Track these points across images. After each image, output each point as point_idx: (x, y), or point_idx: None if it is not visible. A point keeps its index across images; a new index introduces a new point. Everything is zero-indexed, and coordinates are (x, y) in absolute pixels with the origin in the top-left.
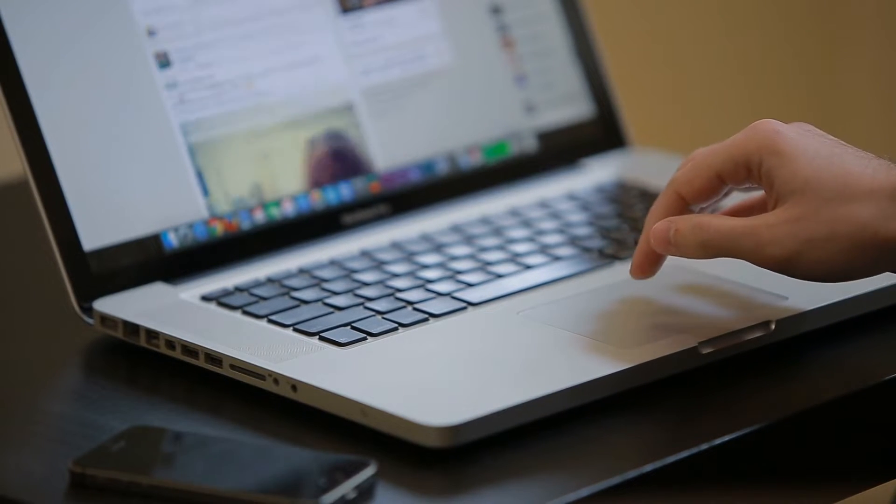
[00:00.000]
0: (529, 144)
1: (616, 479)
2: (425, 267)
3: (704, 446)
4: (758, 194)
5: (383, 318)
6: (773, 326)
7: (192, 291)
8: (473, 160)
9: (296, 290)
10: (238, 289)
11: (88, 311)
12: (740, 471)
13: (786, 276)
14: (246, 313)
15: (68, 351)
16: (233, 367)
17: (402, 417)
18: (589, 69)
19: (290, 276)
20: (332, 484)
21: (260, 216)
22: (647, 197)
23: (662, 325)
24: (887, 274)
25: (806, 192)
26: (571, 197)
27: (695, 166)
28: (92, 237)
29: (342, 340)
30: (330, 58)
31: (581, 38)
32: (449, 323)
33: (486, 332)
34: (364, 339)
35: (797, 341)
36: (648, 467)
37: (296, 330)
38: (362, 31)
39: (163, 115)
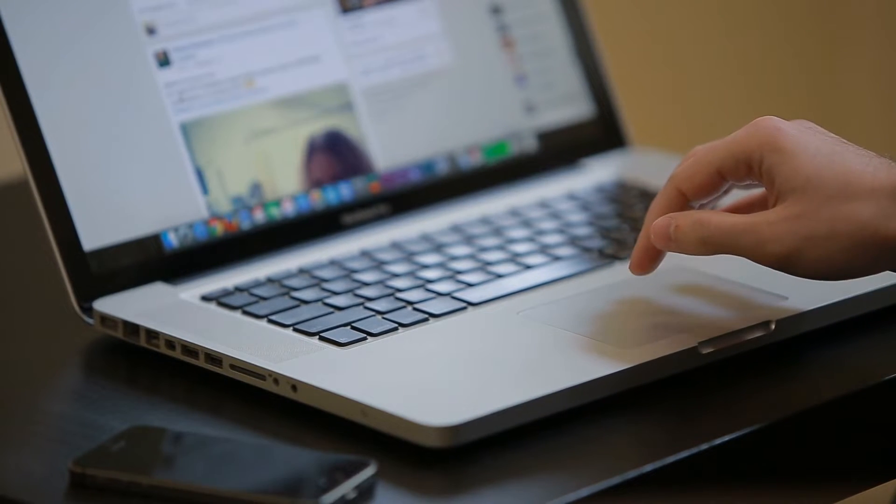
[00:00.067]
0: (529, 144)
1: (616, 479)
2: (425, 267)
3: (704, 446)
4: (758, 191)
5: (383, 318)
6: (773, 326)
7: (192, 291)
8: (473, 160)
9: (296, 290)
10: (238, 289)
11: (88, 311)
12: (740, 471)
13: (786, 276)
14: (246, 313)
15: (68, 351)
16: (233, 367)
17: (402, 417)
18: (589, 69)
19: (290, 276)
20: (332, 484)
21: (260, 216)
22: (647, 197)
23: (662, 325)
24: (887, 273)
25: (807, 189)
26: (571, 197)
27: (696, 162)
28: (92, 237)
29: (342, 340)
30: (330, 57)
31: (581, 38)
32: (449, 323)
33: (486, 332)
34: (364, 339)
35: (797, 341)
36: (648, 467)
37: (296, 330)
38: (362, 31)
39: (163, 114)
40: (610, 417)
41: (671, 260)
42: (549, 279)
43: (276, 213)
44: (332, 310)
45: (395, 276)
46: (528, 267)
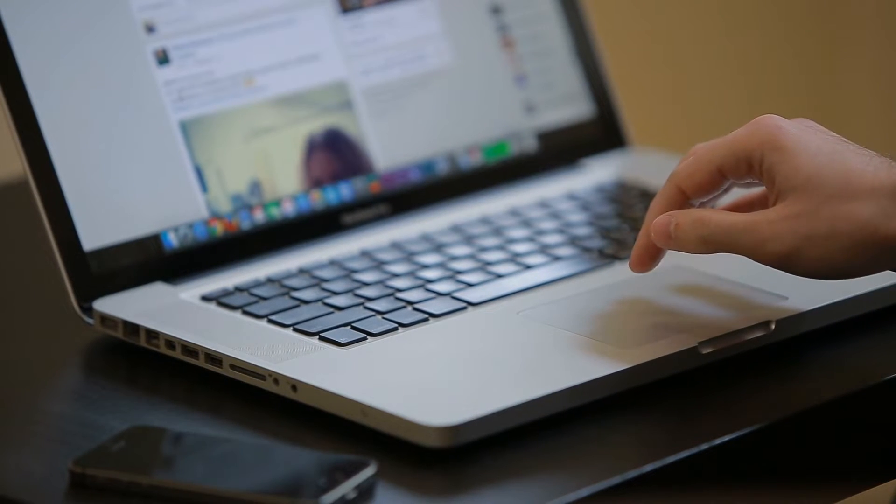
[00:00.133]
0: (529, 144)
1: (616, 479)
2: (425, 267)
3: (704, 446)
4: (758, 190)
5: (383, 318)
6: (773, 326)
7: (192, 291)
8: (473, 160)
9: (296, 290)
10: (238, 289)
11: (88, 311)
12: (740, 471)
13: (786, 276)
14: (246, 313)
15: (68, 351)
16: (233, 367)
17: (402, 417)
18: (589, 69)
19: (290, 276)
20: (332, 484)
21: (260, 216)
22: (647, 197)
23: (662, 325)
24: (887, 273)
25: (807, 188)
26: (571, 197)
27: (696, 160)
28: (92, 237)
29: (342, 340)
30: (330, 57)
31: (581, 38)
32: (449, 323)
33: (486, 332)
34: (364, 339)
35: (797, 341)
36: (648, 467)
37: (296, 330)
38: (362, 30)
39: (162, 112)
40: (610, 417)
41: (671, 260)
42: (549, 279)
43: (275, 213)
44: (332, 310)
45: (395, 276)
46: (528, 267)
